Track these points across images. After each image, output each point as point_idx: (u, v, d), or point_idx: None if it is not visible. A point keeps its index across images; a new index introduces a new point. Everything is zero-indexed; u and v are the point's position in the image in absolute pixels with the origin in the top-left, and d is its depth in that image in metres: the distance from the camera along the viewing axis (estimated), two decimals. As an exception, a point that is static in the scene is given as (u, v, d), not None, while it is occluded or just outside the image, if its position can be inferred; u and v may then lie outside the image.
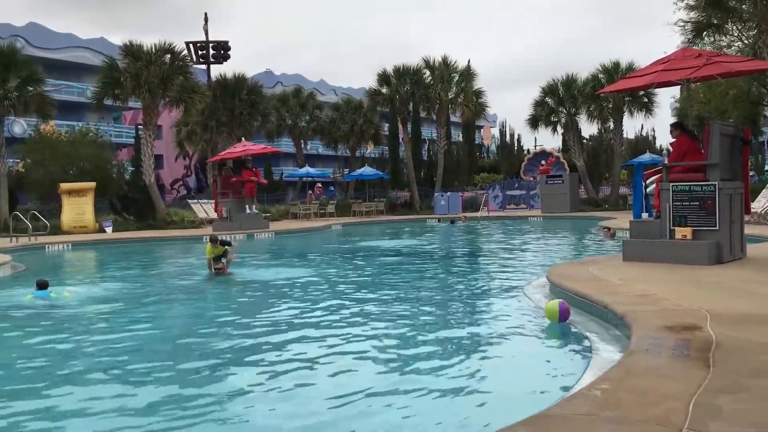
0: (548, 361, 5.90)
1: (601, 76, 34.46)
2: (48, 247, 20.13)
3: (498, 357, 6.07)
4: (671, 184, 9.77)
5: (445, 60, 38.23)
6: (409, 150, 39.66)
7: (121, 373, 5.81)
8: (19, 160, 31.80)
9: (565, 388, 4.85)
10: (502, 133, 56.05)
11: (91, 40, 53.64)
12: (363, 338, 6.88)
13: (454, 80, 38.45)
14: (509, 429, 3.38)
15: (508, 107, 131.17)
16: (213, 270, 12.04)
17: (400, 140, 42.96)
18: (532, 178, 39.15)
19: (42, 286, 10.17)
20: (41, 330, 7.96)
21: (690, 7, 24.53)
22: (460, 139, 53.50)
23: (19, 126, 43.15)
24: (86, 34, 55.09)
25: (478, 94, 39.30)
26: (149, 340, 7.31)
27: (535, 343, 6.51)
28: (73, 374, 5.83)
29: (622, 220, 20.59)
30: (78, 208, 25.94)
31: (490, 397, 4.88)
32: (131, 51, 28.15)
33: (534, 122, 37.02)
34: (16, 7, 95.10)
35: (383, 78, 38.76)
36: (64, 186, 26.19)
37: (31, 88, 27.54)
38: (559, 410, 3.69)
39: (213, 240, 12.28)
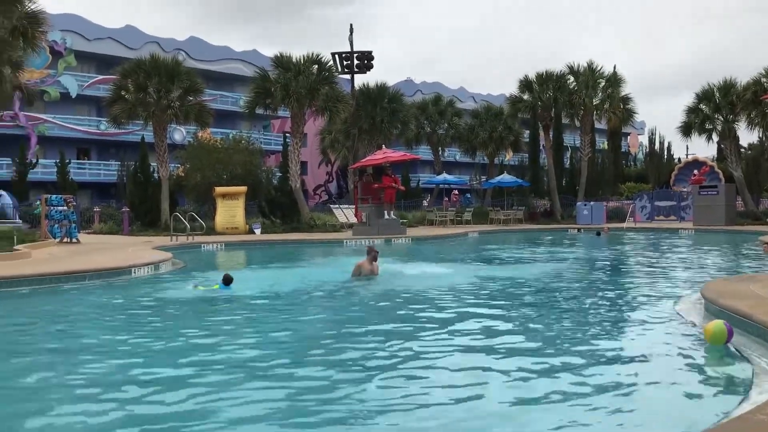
0: (705, 382, 5.57)
1: (764, 80, 31.89)
2: (203, 246, 21.53)
3: (649, 376, 5.76)
4: None
5: (590, 65, 36.98)
6: (551, 157, 38.68)
7: (257, 367, 6.11)
8: (179, 165, 34.22)
9: (725, 412, 4.56)
10: (651, 140, 53.45)
11: (245, 52, 56.90)
12: (500, 351, 6.78)
13: (600, 86, 37.05)
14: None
15: (658, 114, 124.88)
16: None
17: (541, 147, 42.03)
18: (683, 189, 36.98)
19: (227, 281, 11.04)
20: (206, 317, 8.56)
21: None
22: (605, 146, 51.59)
23: (179, 133, 46.55)
24: (240, 46, 58.47)
25: (626, 100, 37.66)
26: (297, 334, 7.64)
27: (690, 363, 6.15)
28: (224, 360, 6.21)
29: (786, 236, 18.96)
30: (230, 210, 27.51)
31: (642, 417, 4.68)
32: (281, 62, 29.54)
33: (686, 130, 34.91)
34: (180, 22, 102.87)
35: (525, 84, 38.12)
36: (218, 190, 27.89)
37: (191, 98, 29.60)
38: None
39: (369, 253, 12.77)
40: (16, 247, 16.66)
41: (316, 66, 29.64)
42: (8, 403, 5.19)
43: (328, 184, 56.07)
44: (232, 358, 6.52)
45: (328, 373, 5.90)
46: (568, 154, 46.73)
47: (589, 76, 36.64)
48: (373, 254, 12.52)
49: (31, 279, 11.83)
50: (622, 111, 37.32)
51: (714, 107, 33.91)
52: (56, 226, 21.78)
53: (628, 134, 71.30)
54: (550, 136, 39.11)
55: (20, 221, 28.93)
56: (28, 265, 13.80)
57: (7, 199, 31.09)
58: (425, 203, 43.09)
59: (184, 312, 9.41)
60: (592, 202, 35.71)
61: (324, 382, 5.59)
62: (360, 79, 37.50)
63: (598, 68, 37.06)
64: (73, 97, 47.41)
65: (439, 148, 45.41)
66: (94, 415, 4.80)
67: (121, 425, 4.58)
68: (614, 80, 37.09)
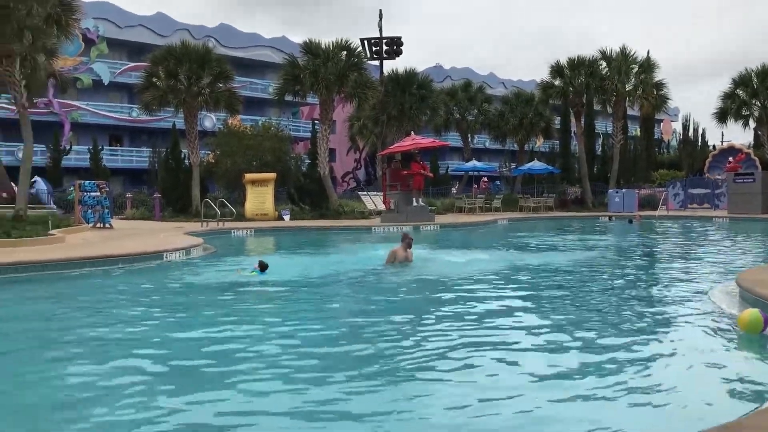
0: (739, 371, 5.45)
1: (804, 64, 31.07)
2: (233, 232, 21.72)
3: (682, 365, 5.69)
4: None
5: (623, 51, 36.37)
6: (582, 144, 38.21)
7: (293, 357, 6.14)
8: (209, 152, 34.51)
9: (760, 402, 4.47)
10: (685, 127, 52.49)
11: (274, 39, 57.00)
12: (530, 338, 6.74)
13: (633, 71, 36.45)
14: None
15: (693, 101, 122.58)
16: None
17: (572, 134, 41.53)
18: (717, 176, 36.29)
19: (262, 267, 11.24)
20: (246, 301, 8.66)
21: None
22: (637, 133, 50.85)
23: (209, 120, 46.91)
24: (269, 33, 58.65)
25: (659, 86, 37.02)
26: (331, 319, 7.68)
27: (724, 352, 6.05)
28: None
29: (825, 224, 18.49)
30: (260, 197, 27.71)
31: (674, 405, 4.61)
32: (310, 49, 29.53)
33: (722, 116, 34.25)
34: (210, 9, 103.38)
35: (556, 70, 37.64)
36: (248, 176, 28.09)
37: (221, 85, 29.77)
38: (755, 421, 3.40)
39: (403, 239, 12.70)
40: (51, 232, 16.97)
41: (345, 52, 29.59)
42: (40, 386, 5.29)
43: (357, 171, 56.06)
44: (264, 342, 6.56)
45: (358, 359, 5.92)
46: (600, 141, 46.12)
47: (621, 61, 36.06)
48: (407, 241, 12.50)
49: (65, 263, 12.04)
50: (655, 97, 36.71)
51: (751, 92, 33.19)
52: (89, 211, 22.14)
53: (662, 121, 70.14)
54: (582, 122, 38.62)
55: (54, 207, 29.43)
56: (63, 249, 14.05)
57: (41, 184, 31.62)
58: (454, 190, 42.91)
59: (215, 297, 9.50)
60: (624, 190, 35.25)
61: (356, 368, 5.60)
62: (389, 65, 37.59)
63: (631, 53, 36.47)
64: (106, 84, 48.00)
65: (469, 135, 45.10)
66: (125, 396, 4.87)
67: (149, 407, 4.64)
68: (647, 65, 36.46)
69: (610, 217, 30.42)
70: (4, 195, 24.38)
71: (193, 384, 5.17)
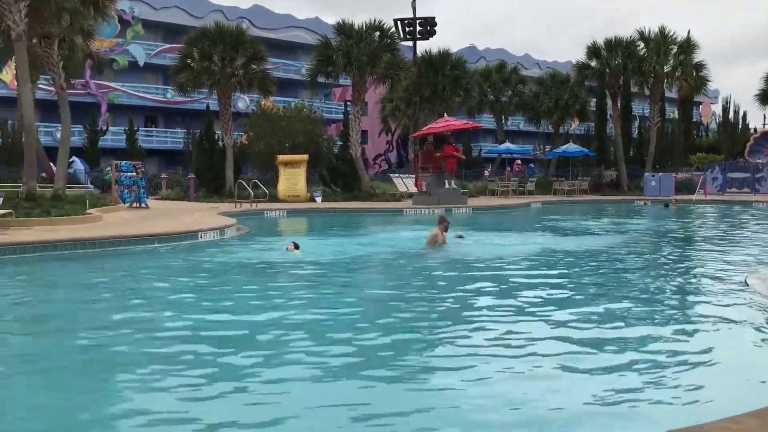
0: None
1: None
2: (266, 213, 21.88)
3: (720, 351, 5.57)
4: None
5: (662, 31, 35.50)
6: (618, 126, 37.50)
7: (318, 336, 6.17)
8: (242, 133, 34.70)
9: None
10: (725, 109, 51.20)
11: (307, 20, 56.87)
12: (562, 324, 6.66)
13: (672, 52, 35.58)
14: (736, 417, 3.10)
15: (734, 83, 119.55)
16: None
17: (608, 116, 40.81)
18: (758, 160, 35.40)
19: (296, 247, 11.58)
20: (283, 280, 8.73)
21: None
22: (675, 116, 49.80)
23: (243, 102, 47.12)
24: (302, 14, 58.52)
25: (699, 67, 36.12)
26: (357, 301, 7.69)
27: (763, 338, 5.90)
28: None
29: None
30: (292, 178, 27.81)
31: (711, 393, 4.54)
32: (343, 29, 29.42)
33: (765, 97, 33.34)
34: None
35: (593, 51, 36.91)
36: (280, 158, 28.20)
37: (254, 66, 29.86)
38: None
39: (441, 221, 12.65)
40: (88, 211, 17.27)
41: (378, 33, 29.42)
42: (76, 360, 5.40)
43: (388, 153, 55.89)
44: (297, 322, 6.59)
45: (392, 344, 5.92)
46: (637, 123, 45.22)
47: (660, 41, 35.20)
48: (445, 224, 12.49)
49: (102, 241, 12.25)
50: (694, 78, 35.85)
51: (796, 73, 32.19)
52: (126, 191, 22.48)
53: (700, 103, 68.58)
54: (618, 104, 37.90)
55: (92, 186, 29.96)
56: (100, 228, 14.29)
57: (79, 164, 32.18)
58: (487, 173, 42.57)
59: (249, 276, 9.60)
60: (660, 173, 34.60)
61: (390, 355, 5.61)
62: (422, 46, 37.09)
63: (671, 34, 35.56)
64: (141, 65, 48.46)
65: (502, 117, 44.61)
66: (155, 372, 4.94)
67: (178, 383, 4.70)
68: (687, 46, 35.53)
69: (645, 202, 29.94)
70: (44, 175, 24.85)
71: (226, 362, 5.21)
